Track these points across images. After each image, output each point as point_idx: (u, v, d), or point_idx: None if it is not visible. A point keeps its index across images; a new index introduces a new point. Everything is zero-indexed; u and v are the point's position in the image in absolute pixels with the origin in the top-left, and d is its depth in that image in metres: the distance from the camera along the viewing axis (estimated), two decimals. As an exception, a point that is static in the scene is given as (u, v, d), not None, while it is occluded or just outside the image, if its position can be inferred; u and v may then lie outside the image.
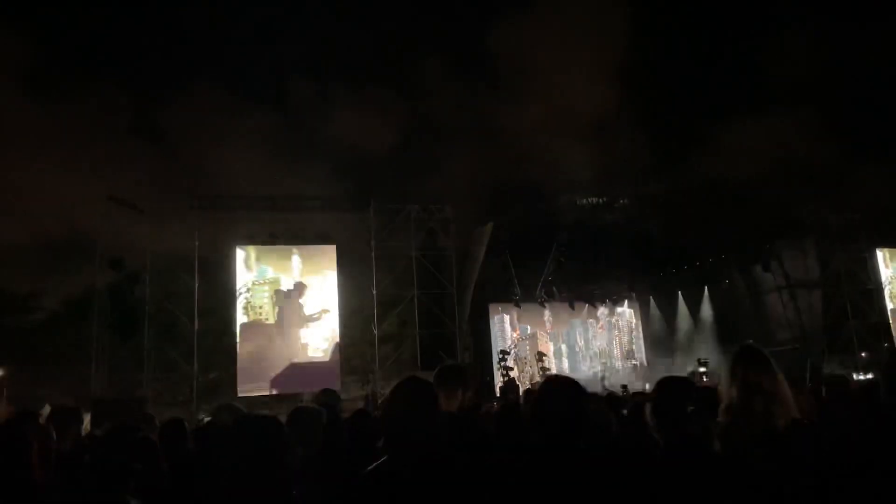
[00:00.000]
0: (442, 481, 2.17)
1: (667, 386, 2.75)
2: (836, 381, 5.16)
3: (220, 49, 16.94)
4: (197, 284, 15.88)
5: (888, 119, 18.99)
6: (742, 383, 2.71)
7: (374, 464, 2.26)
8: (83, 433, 4.92)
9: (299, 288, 16.86)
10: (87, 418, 8.67)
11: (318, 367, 16.23)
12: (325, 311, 16.85)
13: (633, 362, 22.95)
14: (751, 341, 3.01)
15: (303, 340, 16.58)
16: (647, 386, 16.95)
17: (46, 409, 4.25)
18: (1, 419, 3.87)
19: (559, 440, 2.42)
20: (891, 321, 19.75)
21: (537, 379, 19.02)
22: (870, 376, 16.68)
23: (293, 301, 16.72)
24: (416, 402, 2.31)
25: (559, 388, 2.60)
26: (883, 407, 2.64)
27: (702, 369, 19.39)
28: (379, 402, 13.41)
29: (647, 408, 2.69)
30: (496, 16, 18.46)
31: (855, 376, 16.06)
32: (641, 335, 23.50)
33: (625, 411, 4.76)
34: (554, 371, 19.99)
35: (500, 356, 19.79)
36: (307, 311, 16.82)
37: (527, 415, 3.40)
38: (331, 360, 16.62)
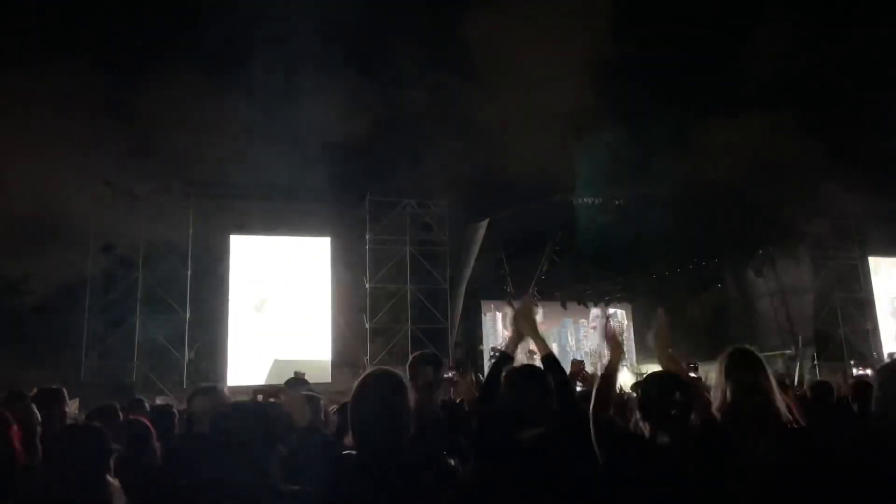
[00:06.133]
0: (405, 473, 2.13)
1: (652, 380, 2.79)
2: (821, 388, 5.20)
3: (214, 38, 16.83)
4: (190, 273, 15.88)
5: (885, 127, 19.02)
6: (736, 384, 2.71)
7: (340, 454, 2.25)
8: (72, 418, 4.92)
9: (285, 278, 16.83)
10: (75, 403, 8.64)
11: (310, 359, 16.21)
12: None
13: (624, 363, 22.97)
14: (746, 345, 2.97)
15: (295, 331, 16.57)
16: (637, 387, 16.99)
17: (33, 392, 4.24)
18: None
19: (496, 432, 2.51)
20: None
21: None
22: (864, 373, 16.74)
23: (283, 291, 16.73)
24: (383, 395, 2.24)
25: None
26: (872, 416, 2.65)
27: (690, 366, 19.42)
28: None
29: (634, 400, 2.73)
30: (491, 9, 18.31)
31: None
32: (633, 337, 23.52)
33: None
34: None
35: (492, 353, 19.78)
36: (296, 302, 16.85)
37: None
38: (322, 352, 16.62)
